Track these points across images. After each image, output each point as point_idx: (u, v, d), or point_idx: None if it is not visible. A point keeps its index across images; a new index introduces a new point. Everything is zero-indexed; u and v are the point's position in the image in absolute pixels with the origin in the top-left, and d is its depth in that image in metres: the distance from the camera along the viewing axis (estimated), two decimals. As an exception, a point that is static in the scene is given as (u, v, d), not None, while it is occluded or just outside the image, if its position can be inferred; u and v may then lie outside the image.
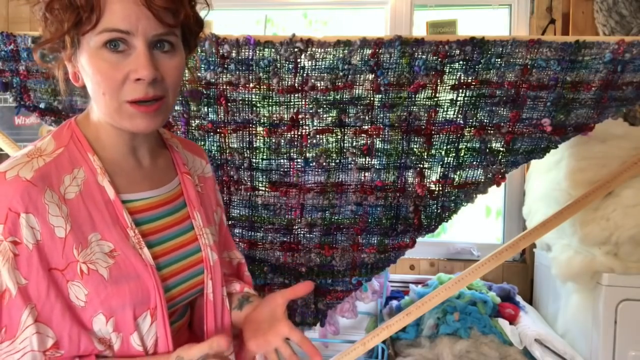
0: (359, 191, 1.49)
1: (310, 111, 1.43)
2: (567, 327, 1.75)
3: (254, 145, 1.48)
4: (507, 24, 2.22)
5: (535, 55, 1.34)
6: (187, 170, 0.90)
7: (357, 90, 1.40)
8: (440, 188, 1.48)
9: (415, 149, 1.46)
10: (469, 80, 1.38)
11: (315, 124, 1.44)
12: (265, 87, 1.41)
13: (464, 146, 1.45)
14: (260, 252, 1.57)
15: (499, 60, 1.36)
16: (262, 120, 1.45)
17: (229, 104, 1.44)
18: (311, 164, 1.47)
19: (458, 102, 1.40)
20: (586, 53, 1.34)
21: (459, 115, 1.42)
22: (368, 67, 1.37)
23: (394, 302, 1.87)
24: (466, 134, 1.43)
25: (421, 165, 1.47)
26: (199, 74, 1.41)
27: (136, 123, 0.73)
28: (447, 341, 1.65)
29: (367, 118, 1.43)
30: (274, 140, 1.46)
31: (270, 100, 1.43)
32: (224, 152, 1.49)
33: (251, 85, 1.41)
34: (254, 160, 1.49)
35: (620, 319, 1.52)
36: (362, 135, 1.44)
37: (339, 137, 1.45)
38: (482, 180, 1.46)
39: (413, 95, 1.40)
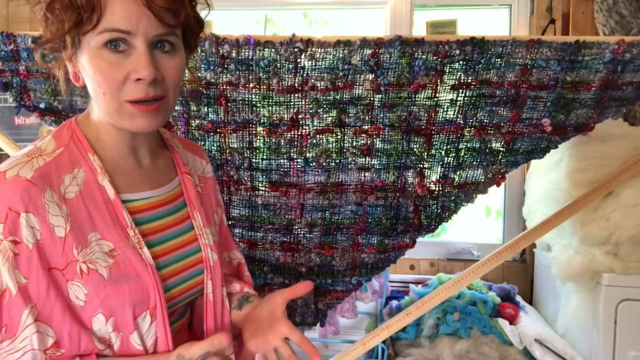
0: (359, 191, 1.49)
1: (310, 111, 1.43)
2: (567, 327, 1.75)
3: (254, 145, 1.48)
4: (507, 24, 2.22)
5: (535, 55, 1.34)
6: (187, 170, 0.90)
7: (357, 90, 1.40)
8: (440, 188, 1.48)
9: (415, 149, 1.46)
10: (469, 80, 1.38)
11: (315, 124, 1.44)
12: (265, 87, 1.41)
13: (464, 146, 1.45)
14: (260, 252, 1.57)
15: (499, 60, 1.36)
16: (262, 120, 1.45)
17: (229, 104, 1.44)
18: (311, 164, 1.47)
19: (458, 102, 1.40)
20: (586, 53, 1.34)
21: (459, 115, 1.42)
22: (368, 67, 1.37)
23: (394, 302, 1.87)
24: (466, 134, 1.43)
25: (421, 165, 1.47)
26: (199, 74, 1.41)
27: (136, 122, 0.73)
28: (447, 341, 1.65)
29: (367, 118, 1.43)
30: (274, 140, 1.46)
31: (270, 100, 1.43)
32: (224, 152, 1.49)
33: (251, 85, 1.41)
34: (254, 160, 1.49)
35: (620, 319, 1.52)
36: (362, 135, 1.44)
37: (339, 137, 1.45)
38: (482, 180, 1.47)
39: (413, 95, 1.40)
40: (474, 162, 1.45)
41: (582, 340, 1.64)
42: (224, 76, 1.41)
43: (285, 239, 1.55)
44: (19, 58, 1.45)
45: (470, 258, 2.17)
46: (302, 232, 1.54)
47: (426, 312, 1.62)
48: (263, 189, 1.51)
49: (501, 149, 1.44)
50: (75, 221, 0.71)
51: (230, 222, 1.54)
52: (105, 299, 0.71)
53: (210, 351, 0.73)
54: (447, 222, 1.53)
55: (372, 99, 1.41)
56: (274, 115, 1.44)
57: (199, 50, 1.36)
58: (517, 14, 2.18)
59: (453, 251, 2.22)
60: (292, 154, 1.47)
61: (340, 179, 1.49)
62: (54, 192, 0.70)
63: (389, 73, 1.37)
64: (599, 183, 1.56)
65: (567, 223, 1.58)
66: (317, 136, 1.45)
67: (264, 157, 1.48)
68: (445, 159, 1.46)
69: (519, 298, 1.92)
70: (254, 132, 1.47)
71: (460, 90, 1.39)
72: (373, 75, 1.38)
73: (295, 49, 1.36)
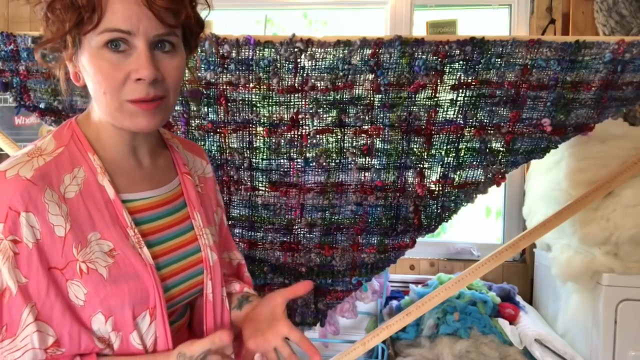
0: (359, 191, 1.49)
1: (310, 111, 1.43)
2: (567, 327, 1.75)
3: (254, 145, 1.48)
4: (507, 24, 2.22)
5: (535, 55, 1.34)
6: (187, 170, 0.90)
7: (357, 90, 1.40)
8: (440, 188, 1.48)
9: (415, 149, 1.46)
10: (469, 80, 1.38)
11: (315, 124, 1.44)
12: (265, 87, 1.41)
13: (464, 146, 1.45)
14: (260, 252, 1.57)
15: (499, 60, 1.36)
16: (262, 120, 1.45)
17: (229, 104, 1.44)
18: (311, 164, 1.47)
19: (458, 102, 1.40)
20: (586, 53, 1.34)
21: (459, 115, 1.42)
22: (368, 67, 1.37)
23: (394, 302, 1.87)
24: (466, 134, 1.44)
25: (421, 165, 1.47)
26: (199, 74, 1.41)
27: (137, 122, 0.73)
28: (447, 341, 1.65)
29: (367, 118, 1.43)
30: (274, 140, 1.46)
31: (270, 100, 1.43)
32: (224, 152, 1.49)
33: (251, 85, 1.41)
34: (254, 160, 1.49)
35: (620, 319, 1.52)
36: (362, 135, 1.44)
37: (339, 137, 1.45)
38: (482, 180, 1.47)
39: (413, 95, 1.40)
40: (474, 162, 1.46)
41: (582, 340, 1.64)
42: (224, 76, 1.41)
43: (285, 239, 1.55)
44: (19, 58, 1.45)
45: (470, 258, 2.17)
46: (302, 232, 1.54)
47: (426, 312, 1.62)
48: (263, 189, 1.51)
49: (501, 149, 1.44)
50: (75, 221, 0.71)
51: (230, 222, 1.54)
52: (105, 298, 0.71)
53: (212, 349, 0.73)
54: (447, 222, 1.53)
55: (372, 99, 1.41)
56: (274, 115, 1.44)
57: (199, 50, 1.36)
58: (517, 14, 2.18)
59: (453, 251, 2.22)
60: (292, 154, 1.47)
61: (340, 179, 1.49)
62: (54, 192, 0.71)
63: (389, 73, 1.38)
64: (599, 183, 1.56)
65: (567, 223, 1.58)
66: (317, 136, 1.45)
67: (264, 157, 1.49)
68: (445, 159, 1.46)
69: (519, 298, 1.92)
70: (254, 132, 1.47)
71: (460, 90, 1.39)
72: (373, 75, 1.38)
73: (295, 49, 1.36)
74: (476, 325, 1.68)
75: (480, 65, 1.36)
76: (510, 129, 1.42)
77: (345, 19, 2.35)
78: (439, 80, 1.38)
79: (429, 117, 1.42)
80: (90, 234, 0.72)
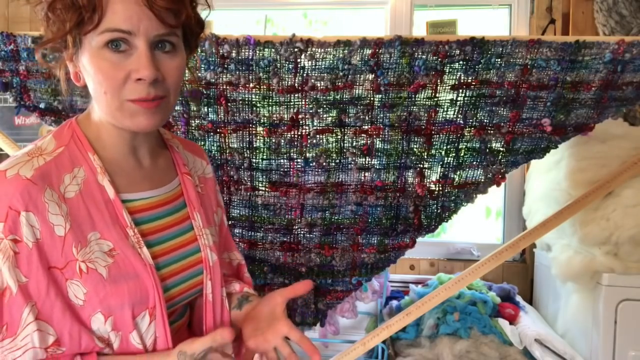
0: (359, 191, 1.49)
1: (310, 111, 1.43)
2: (567, 327, 1.75)
3: (254, 145, 1.48)
4: (507, 24, 2.22)
5: (535, 55, 1.34)
6: (187, 170, 0.90)
7: (357, 90, 1.40)
8: (440, 188, 1.48)
9: (415, 149, 1.46)
10: (469, 80, 1.38)
11: (315, 124, 1.44)
12: (265, 87, 1.41)
13: (464, 146, 1.45)
14: (260, 252, 1.57)
15: (499, 60, 1.36)
16: (262, 120, 1.45)
17: (229, 104, 1.44)
18: (311, 164, 1.47)
19: (458, 102, 1.41)
20: (586, 53, 1.34)
21: (459, 115, 1.42)
22: (368, 67, 1.37)
23: (394, 302, 1.87)
24: (466, 134, 1.44)
25: (421, 165, 1.47)
26: (199, 74, 1.41)
27: (138, 121, 0.73)
28: (447, 341, 1.65)
29: (367, 118, 1.43)
30: (274, 140, 1.46)
31: (270, 100, 1.43)
32: (224, 152, 1.49)
33: (251, 85, 1.41)
34: (254, 160, 1.49)
35: (620, 319, 1.52)
36: (362, 135, 1.45)
37: (339, 137, 1.45)
38: (482, 180, 1.47)
39: (413, 95, 1.40)
40: (474, 162, 1.46)
41: (582, 340, 1.64)
42: (224, 76, 1.41)
43: (285, 239, 1.55)
44: (19, 58, 1.45)
45: (470, 258, 2.17)
46: (302, 232, 1.54)
47: (426, 312, 1.62)
48: (263, 189, 1.52)
49: (501, 149, 1.44)
50: (75, 220, 0.71)
51: (230, 222, 1.54)
52: (104, 298, 0.71)
53: (213, 346, 0.73)
54: (447, 222, 1.53)
55: (372, 99, 1.41)
56: (274, 115, 1.44)
57: (199, 50, 1.36)
58: (517, 14, 2.18)
59: (453, 251, 2.22)
60: (292, 154, 1.47)
61: (340, 179, 1.49)
62: (54, 192, 0.71)
63: (389, 73, 1.38)
64: (599, 183, 1.56)
65: (567, 223, 1.58)
66: (317, 136, 1.45)
67: (264, 157, 1.49)
68: (445, 159, 1.46)
69: (519, 298, 1.92)
70: (254, 132, 1.47)
71: (460, 90, 1.39)
72: (373, 75, 1.38)
73: (295, 49, 1.36)
74: (476, 325, 1.68)
75: (480, 65, 1.36)
76: (510, 129, 1.42)
77: (345, 19, 2.35)
78: (439, 80, 1.38)
79: (429, 117, 1.42)
80: (90, 234, 0.72)
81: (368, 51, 1.35)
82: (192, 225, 0.86)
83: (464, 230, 2.29)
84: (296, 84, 1.40)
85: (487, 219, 2.32)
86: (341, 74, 1.38)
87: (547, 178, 1.80)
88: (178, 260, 0.82)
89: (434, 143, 1.45)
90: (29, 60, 1.45)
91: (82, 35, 0.70)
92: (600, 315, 1.55)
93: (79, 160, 0.75)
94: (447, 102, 1.41)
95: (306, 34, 1.38)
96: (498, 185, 1.47)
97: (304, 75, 1.39)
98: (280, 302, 0.83)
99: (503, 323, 1.71)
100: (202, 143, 1.49)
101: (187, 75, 1.36)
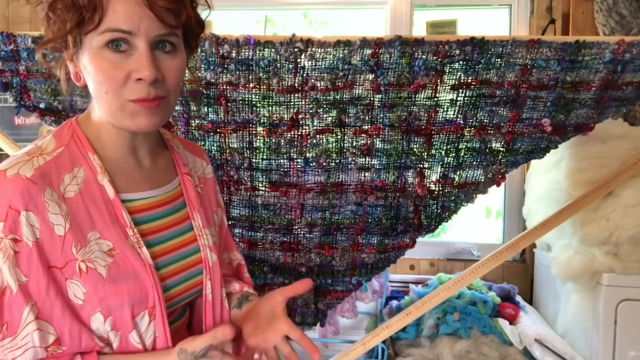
0: (359, 191, 1.49)
1: (310, 111, 1.43)
2: (567, 327, 1.75)
3: (254, 145, 1.48)
4: (507, 24, 2.22)
5: (535, 55, 1.34)
6: (187, 170, 0.90)
7: (357, 90, 1.40)
8: (440, 188, 1.48)
9: (415, 149, 1.46)
10: (469, 80, 1.38)
11: (315, 124, 1.44)
12: (265, 87, 1.41)
13: (464, 146, 1.45)
14: (260, 252, 1.57)
15: (499, 60, 1.36)
16: (262, 120, 1.45)
17: (229, 104, 1.44)
18: (311, 164, 1.47)
19: (458, 102, 1.41)
20: (586, 53, 1.34)
21: (459, 115, 1.42)
22: (368, 67, 1.37)
23: (394, 302, 1.87)
24: (466, 134, 1.44)
25: (421, 165, 1.47)
26: (199, 74, 1.41)
27: (138, 121, 0.73)
28: (447, 341, 1.65)
29: (367, 118, 1.43)
30: (274, 140, 1.46)
31: (270, 100, 1.43)
32: (224, 152, 1.49)
33: (251, 85, 1.41)
34: (254, 160, 1.49)
35: (620, 319, 1.52)
36: (362, 135, 1.45)
37: (339, 137, 1.45)
38: (482, 180, 1.47)
39: (413, 95, 1.40)
40: (474, 162, 1.46)
41: (582, 340, 1.64)
42: (224, 76, 1.41)
43: (285, 239, 1.55)
44: (19, 58, 1.45)
45: (470, 258, 2.17)
46: (302, 232, 1.54)
47: (426, 312, 1.62)
48: (263, 189, 1.52)
49: (501, 149, 1.44)
50: (75, 220, 0.71)
51: (230, 222, 1.55)
52: (104, 298, 0.71)
53: (213, 344, 0.73)
54: (447, 222, 1.53)
55: (372, 99, 1.41)
56: (274, 115, 1.44)
57: (199, 50, 1.36)
58: (517, 14, 2.18)
59: (453, 251, 2.22)
60: (292, 154, 1.47)
61: (340, 179, 1.49)
62: (54, 191, 0.71)
63: (389, 73, 1.38)
64: (599, 183, 1.56)
65: (567, 223, 1.58)
66: (317, 136, 1.45)
67: (264, 157, 1.49)
68: (445, 159, 1.46)
69: (519, 298, 1.92)
70: (254, 132, 1.47)
71: (460, 90, 1.39)
72: (373, 75, 1.38)
73: (295, 49, 1.36)
74: (476, 325, 1.68)
75: (480, 65, 1.36)
76: (510, 129, 1.42)
77: (345, 19, 2.36)
78: (439, 80, 1.38)
79: (429, 117, 1.42)
80: (89, 234, 0.72)
81: (368, 51, 1.35)
82: (191, 225, 0.86)
83: (464, 230, 2.29)
84: (296, 84, 1.40)
85: (487, 219, 2.32)
86: (341, 74, 1.38)
87: (547, 178, 1.80)
88: (178, 260, 0.82)
89: (434, 143, 1.45)
90: (29, 60, 1.45)
91: (83, 35, 0.70)
92: (600, 315, 1.55)
93: (79, 160, 0.75)
94: (447, 102, 1.41)
95: (306, 34, 1.38)
96: (498, 185, 1.47)
97: (304, 75, 1.39)
98: (280, 301, 0.83)
99: (503, 323, 1.71)
100: (202, 143, 1.49)
101: (187, 75, 1.36)
